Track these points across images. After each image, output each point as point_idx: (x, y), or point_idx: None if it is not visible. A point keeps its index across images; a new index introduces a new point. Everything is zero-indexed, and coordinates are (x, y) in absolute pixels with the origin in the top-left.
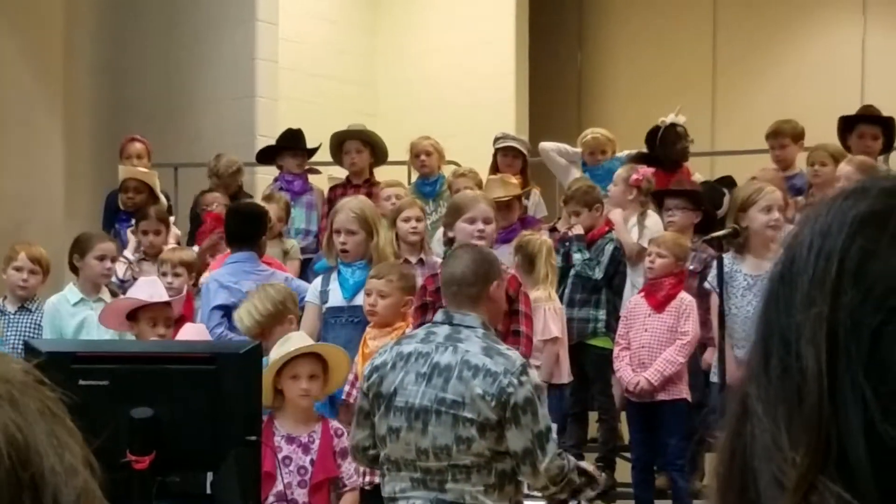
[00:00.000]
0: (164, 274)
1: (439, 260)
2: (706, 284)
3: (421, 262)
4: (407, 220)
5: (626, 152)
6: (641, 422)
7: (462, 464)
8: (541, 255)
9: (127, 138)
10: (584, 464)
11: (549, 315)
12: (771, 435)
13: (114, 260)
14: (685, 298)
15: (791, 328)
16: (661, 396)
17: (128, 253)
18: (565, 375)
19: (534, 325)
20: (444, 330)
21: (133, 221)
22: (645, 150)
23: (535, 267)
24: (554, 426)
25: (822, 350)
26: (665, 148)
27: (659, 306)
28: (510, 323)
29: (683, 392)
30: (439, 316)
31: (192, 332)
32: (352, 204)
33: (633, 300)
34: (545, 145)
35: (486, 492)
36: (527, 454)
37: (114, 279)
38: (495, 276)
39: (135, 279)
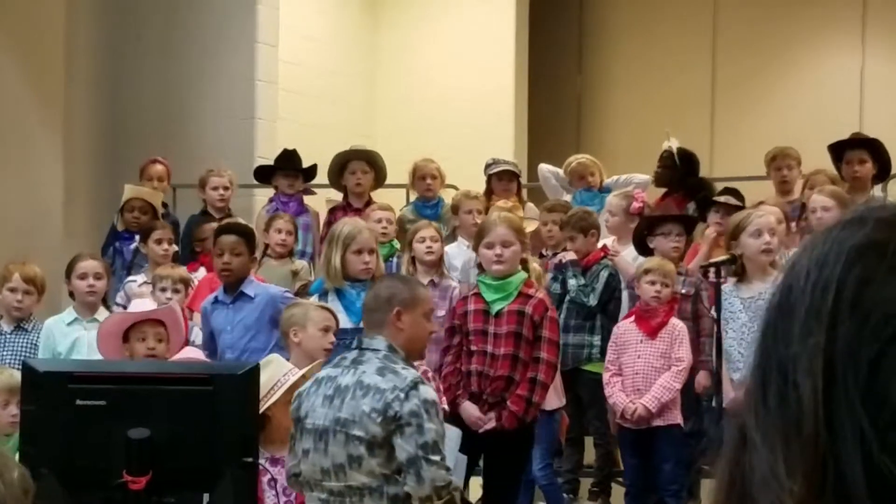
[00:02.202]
0: (164, 289)
1: (453, 283)
2: (707, 314)
3: (433, 283)
4: (423, 240)
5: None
6: (635, 448)
7: (356, 485)
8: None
9: (148, 160)
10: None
11: None
12: (769, 464)
13: (97, 277)
14: (677, 324)
15: (788, 358)
16: (656, 422)
17: (142, 276)
18: (555, 401)
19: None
20: (353, 354)
21: (137, 238)
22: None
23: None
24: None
25: (819, 380)
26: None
27: (652, 332)
28: (532, 350)
29: (677, 417)
30: (354, 342)
31: (190, 354)
32: (365, 224)
33: (621, 326)
34: (544, 167)
35: None
36: (411, 463)
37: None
38: (399, 302)
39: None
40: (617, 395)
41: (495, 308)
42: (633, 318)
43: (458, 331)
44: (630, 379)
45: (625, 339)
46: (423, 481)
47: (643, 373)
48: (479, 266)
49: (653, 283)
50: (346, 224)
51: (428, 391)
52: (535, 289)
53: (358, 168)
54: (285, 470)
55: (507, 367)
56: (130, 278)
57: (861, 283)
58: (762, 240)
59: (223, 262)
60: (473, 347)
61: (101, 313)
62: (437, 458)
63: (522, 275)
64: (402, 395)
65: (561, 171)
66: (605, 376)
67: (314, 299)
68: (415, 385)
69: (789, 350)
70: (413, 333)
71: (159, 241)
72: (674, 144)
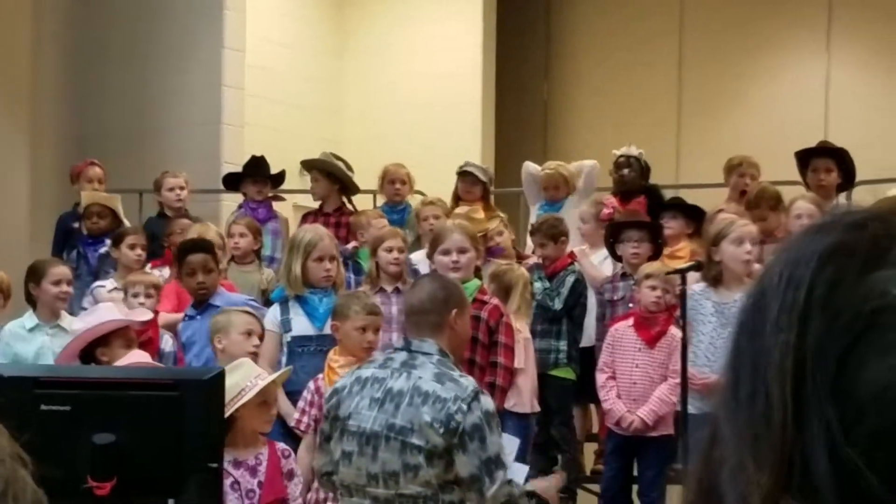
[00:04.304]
0: (136, 295)
1: None
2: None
3: (397, 290)
4: (389, 250)
5: None
6: (621, 455)
7: (409, 493)
8: (517, 288)
9: (86, 162)
10: (538, 484)
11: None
12: (738, 457)
13: (69, 283)
14: (676, 335)
15: (760, 354)
16: (651, 433)
17: (111, 282)
18: (528, 405)
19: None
20: (402, 356)
21: (109, 243)
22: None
23: (511, 298)
24: (513, 458)
25: (788, 375)
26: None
27: (651, 341)
28: (489, 354)
29: (670, 428)
30: (399, 343)
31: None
32: (326, 232)
33: (619, 328)
34: (528, 166)
35: None
36: (474, 480)
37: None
38: (455, 304)
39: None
40: (614, 401)
41: None
42: (631, 321)
43: None
44: (626, 387)
45: (622, 344)
46: (485, 500)
47: (640, 383)
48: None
49: (654, 288)
50: (307, 231)
51: (489, 401)
52: (488, 295)
53: (313, 176)
54: (316, 469)
55: (466, 372)
56: (98, 283)
57: (831, 283)
58: (743, 248)
59: (197, 282)
60: None
61: (65, 319)
62: (500, 472)
63: (477, 281)
64: (464, 407)
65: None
66: (601, 378)
67: (275, 307)
68: (476, 396)
69: (761, 346)
70: (463, 336)
71: (132, 247)
72: (634, 150)
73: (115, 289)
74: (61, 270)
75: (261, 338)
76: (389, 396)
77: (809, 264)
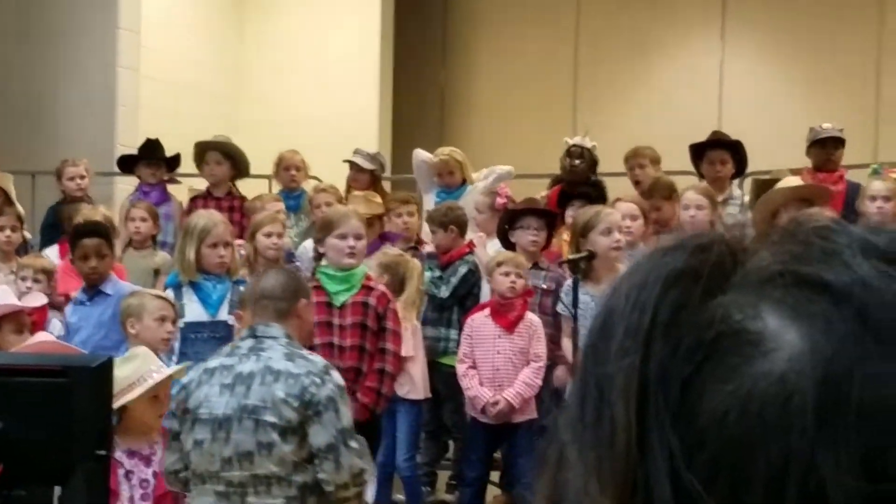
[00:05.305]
0: (24, 279)
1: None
2: (560, 308)
3: None
4: (268, 235)
5: None
6: (488, 442)
7: (262, 473)
8: (412, 279)
9: None
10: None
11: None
12: (582, 480)
13: None
14: (533, 319)
15: (605, 377)
16: (517, 418)
17: None
18: (421, 391)
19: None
20: (249, 342)
21: None
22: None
23: (405, 289)
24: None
25: (632, 398)
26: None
27: (510, 327)
28: (378, 341)
29: (534, 412)
30: (244, 332)
31: (43, 338)
32: (220, 217)
33: (476, 318)
34: (419, 154)
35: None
36: (330, 449)
37: None
38: (304, 294)
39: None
40: (477, 388)
41: (339, 300)
42: (487, 311)
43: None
44: (489, 374)
45: (480, 333)
46: (341, 467)
47: (503, 368)
48: (319, 257)
49: (507, 274)
50: (202, 217)
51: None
52: (374, 281)
53: (212, 159)
54: (164, 470)
55: (355, 359)
56: None
57: (675, 307)
58: (612, 237)
59: (90, 266)
60: (317, 340)
61: None
62: (354, 444)
63: (364, 267)
64: (318, 380)
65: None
66: (461, 369)
67: (168, 292)
68: (327, 370)
69: (607, 369)
70: (305, 325)
71: (2, 228)
72: (587, 142)
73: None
74: None
75: (174, 322)
76: (240, 380)
77: (654, 287)
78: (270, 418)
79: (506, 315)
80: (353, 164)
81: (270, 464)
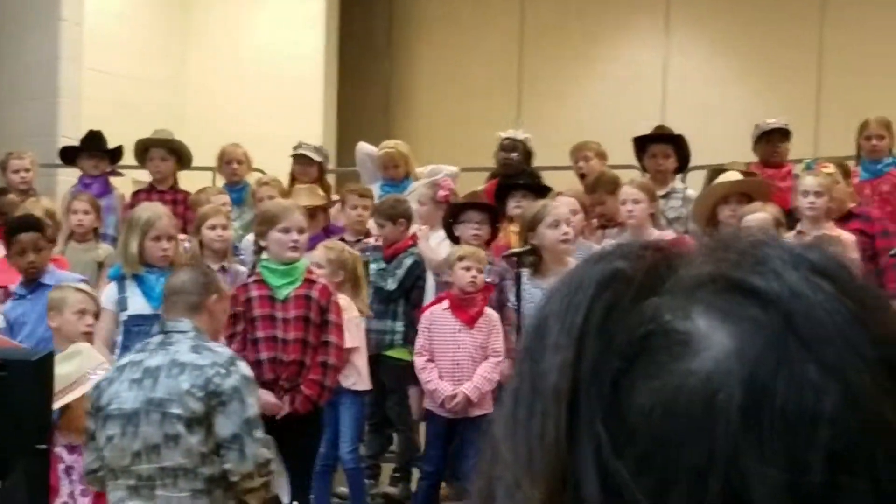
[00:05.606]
0: None
1: (242, 268)
2: (510, 304)
3: (223, 269)
4: (213, 227)
5: None
6: (445, 436)
7: (170, 466)
8: (356, 271)
9: None
10: (282, 490)
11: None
12: (515, 475)
13: None
14: (492, 315)
15: (539, 374)
16: (474, 412)
17: None
18: (366, 382)
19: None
20: (158, 338)
21: None
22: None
23: (349, 280)
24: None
25: (564, 395)
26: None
27: (470, 322)
28: (321, 333)
29: (491, 407)
30: (155, 328)
31: None
32: (165, 210)
33: (434, 312)
34: (363, 147)
35: (193, 497)
36: (235, 439)
37: None
38: (216, 290)
39: None
40: (437, 382)
41: (282, 293)
42: (446, 304)
43: (240, 318)
44: (449, 368)
45: (440, 327)
46: (246, 458)
47: (463, 363)
48: (261, 250)
49: (468, 268)
50: (146, 210)
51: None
52: (316, 274)
53: (157, 155)
54: (83, 468)
55: (298, 352)
56: None
57: (608, 308)
58: (560, 230)
59: (28, 261)
60: (260, 334)
61: None
62: (259, 433)
63: (306, 261)
64: (222, 371)
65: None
66: (420, 362)
67: (112, 285)
68: (233, 361)
69: (541, 368)
70: (220, 321)
71: None
72: (520, 134)
73: None
74: None
75: (96, 316)
76: (147, 374)
77: (588, 289)
78: (176, 410)
79: (466, 310)
80: (300, 157)
81: (177, 456)
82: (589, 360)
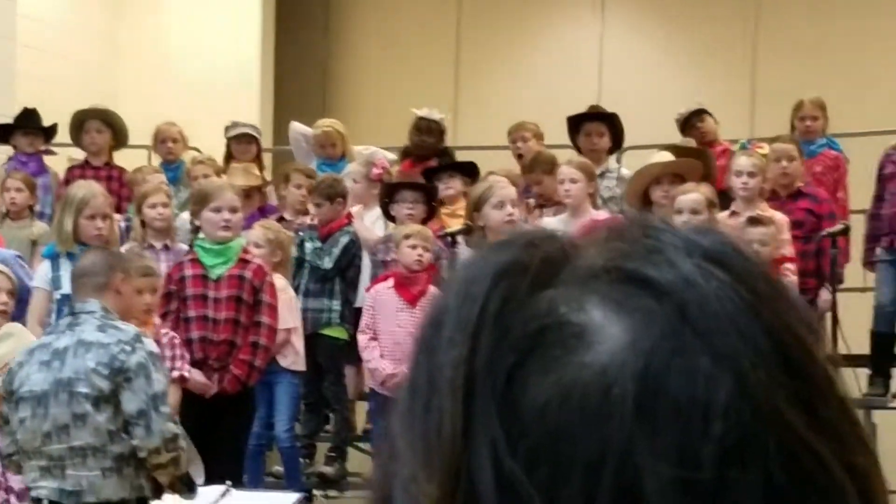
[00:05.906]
0: None
1: (184, 246)
2: None
3: (166, 247)
4: (153, 206)
5: None
6: (386, 414)
7: (79, 445)
8: (287, 248)
9: None
10: (195, 471)
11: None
12: (411, 469)
13: None
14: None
15: (435, 368)
16: None
17: None
18: (302, 363)
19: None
20: (67, 319)
21: None
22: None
23: (286, 260)
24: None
25: (459, 389)
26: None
27: (413, 301)
28: (253, 314)
29: None
30: (65, 311)
31: None
32: (100, 189)
33: (378, 289)
34: (295, 127)
35: (103, 475)
36: (141, 414)
37: None
38: (122, 270)
39: None
40: (377, 360)
41: (215, 273)
42: (391, 282)
43: (174, 296)
44: (390, 348)
45: (383, 305)
46: (152, 433)
47: (404, 342)
48: (196, 230)
49: (414, 247)
50: (81, 188)
51: (151, 343)
52: (251, 254)
53: (93, 127)
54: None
55: (229, 332)
56: None
57: (504, 299)
58: (505, 211)
59: None
60: (192, 313)
61: None
62: (165, 409)
63: (241, 240)
64: (127, 348)
65: (311, 132)
66: (363, 340)
67: (45, 263)
68: (138, 338)
69: (437, 361)
70: (128, 303)
71: None
72: (436, 114)
73: None
74: None
75: (10, 294)
76: (56, 355)
77: (484, 281)
78: (83, 389)
79: (409, 288)
80: (241, 136)
81: (86, 435)
82: (484, 355)
